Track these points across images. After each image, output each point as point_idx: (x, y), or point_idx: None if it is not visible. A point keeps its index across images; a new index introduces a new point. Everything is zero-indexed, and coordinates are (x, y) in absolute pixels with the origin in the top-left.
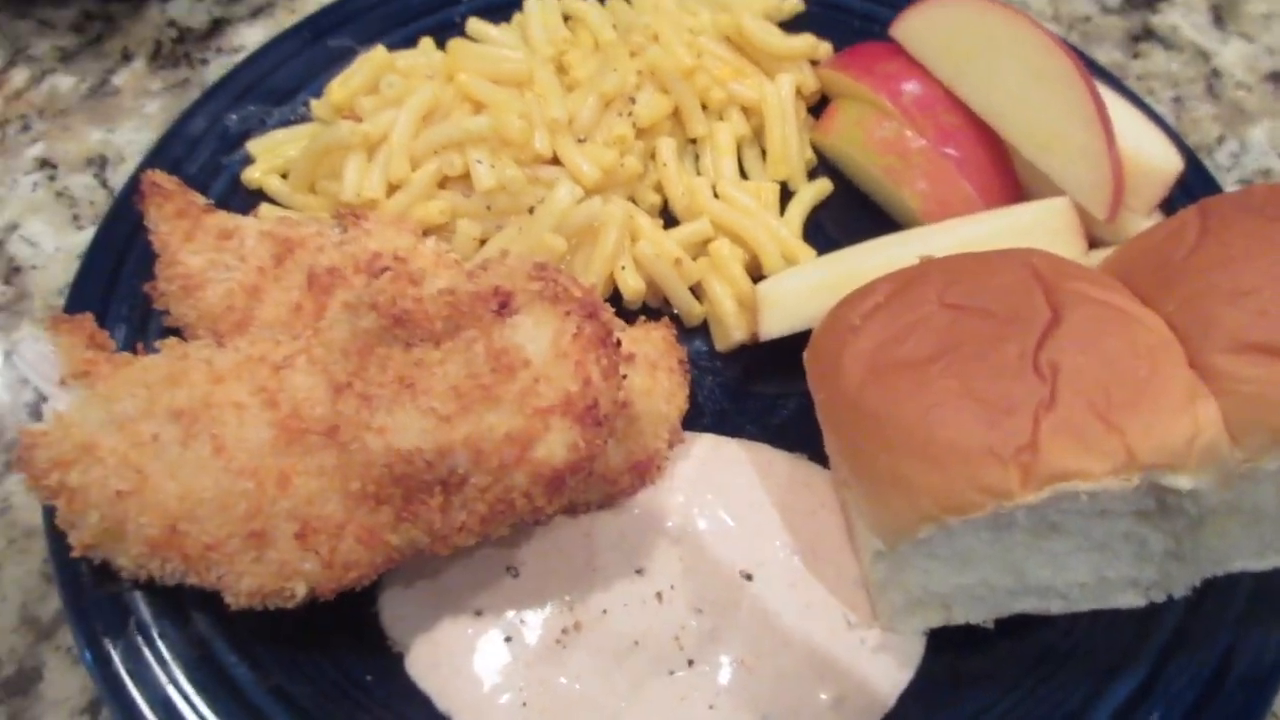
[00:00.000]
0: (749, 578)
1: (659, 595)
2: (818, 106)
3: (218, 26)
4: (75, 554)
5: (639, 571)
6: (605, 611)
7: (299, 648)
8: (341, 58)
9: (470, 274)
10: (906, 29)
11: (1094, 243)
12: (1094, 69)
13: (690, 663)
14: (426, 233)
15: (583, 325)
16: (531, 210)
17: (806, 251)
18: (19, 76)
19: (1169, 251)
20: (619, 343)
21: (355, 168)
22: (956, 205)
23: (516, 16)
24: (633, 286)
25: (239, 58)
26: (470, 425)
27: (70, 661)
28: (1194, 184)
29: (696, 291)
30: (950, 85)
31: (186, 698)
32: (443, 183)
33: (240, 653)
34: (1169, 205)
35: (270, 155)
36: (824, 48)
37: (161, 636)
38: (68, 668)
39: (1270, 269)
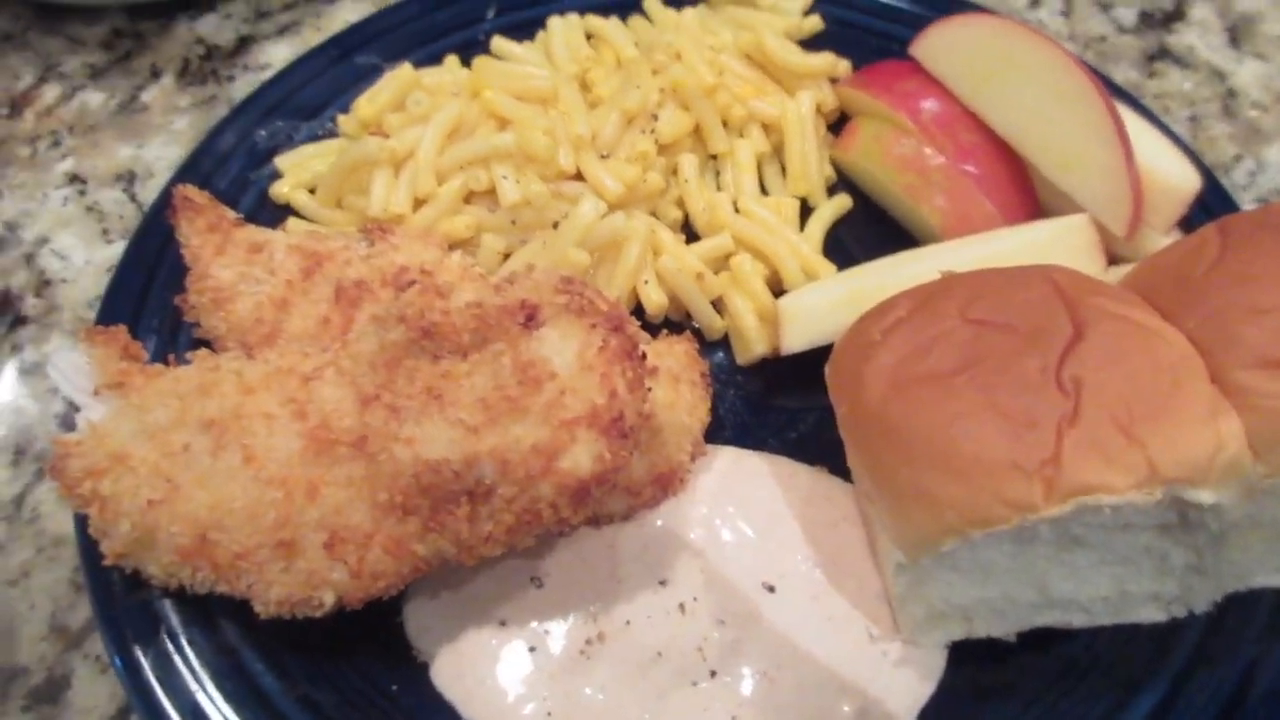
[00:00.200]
0: (771, 590)
1: (682, 607)
2: (837, 124)
3: (245, 44)
4: (107, 563)
5: (662, 583)
6: (629, 622)
7: (325, 657)
8: (368, 75)
9: (497, 287)
10: (926, 48)
11: (1113, 260)
12: (1111, 88)
13: (713, 674)
14: (452, 247)
15: (609, 338)
16: (555, 225)
17: (827, 267)
18: (50, 93)
19: (1190, 268)
20: (644, 355)
21: (382, 183)
22: (976, 222)
23: (540, 34)
24: (655, 300)
25: (265, 75)
26: (497, 436)
27: (99, 670)
28: (1212, 202)
29: (718, 306)
30: (969, 103)
31: (215, 705)
32: (468, 198)
33: (268, 661)
34: (1188, 223)
35: (298, 170)
36: (843, 65)
37: (191, 644)
38: (96, 676)
39: None
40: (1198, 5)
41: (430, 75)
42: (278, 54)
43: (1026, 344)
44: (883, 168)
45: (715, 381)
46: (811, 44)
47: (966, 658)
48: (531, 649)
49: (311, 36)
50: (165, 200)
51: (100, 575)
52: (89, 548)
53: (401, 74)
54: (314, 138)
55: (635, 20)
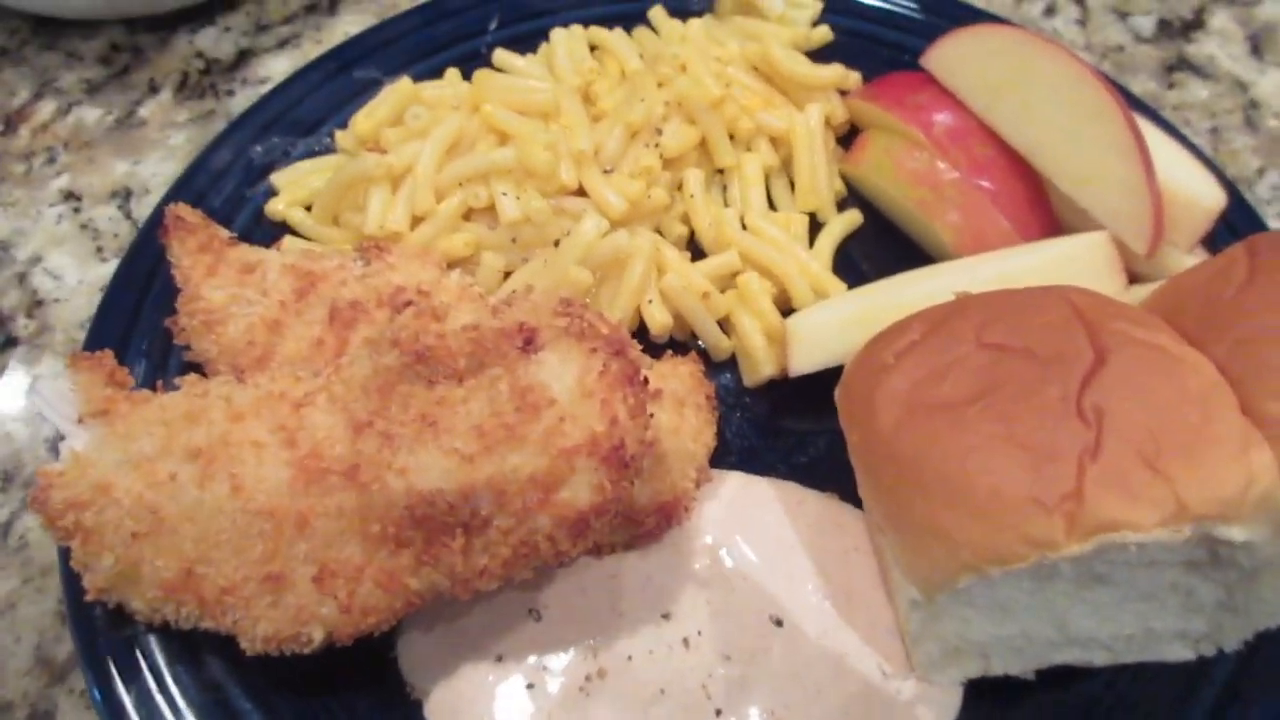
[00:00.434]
0: (779, 623)
1: (686, 641)
2: (847, 137)
3: (244, 58)
4: (89, 597)
5: (665, 616)
6: (630, 658)
7: (315, 694)
8: (367, 89)
9: (495, 310)
10: (938, 59)
11: (1133, 279)
12: (1129, 100)
13: (718, 712)
14: (451, 265)
15: (609, 363)
16: (557, 243)
17: (836, 285)
18: (45, 109)
19: (1217, 291)
20: (646, 381)
21: (379, 200)
22: (991, 239)
23: (543, 47)
24: (659, 320)
25: (265, 89)
26: (493, 466)
27: (84, 705)
28: (1237, 218)
29: (724, 325)
30: (983, 116)
31: None
32: (467, 215)
33: (255, 700)
34: (1211, 240)
35: (294, 187)
36: (853, 77)
37: (175, 681)
38: (81, 711)
39: None
40: (1218, 14)
41: (430, 89)
42: (277, 67)
43: (1045, 370)
44: (894, 182)
45: (721, 404)
46: (820, 55)
47: (983, 696)
48: (529, 686)
49: (311, 50)
50: (157, 219)
51: (83, 609)
52: (72, 581)
53: (400, 88)
54: (311, 154)
55: (640, 32)
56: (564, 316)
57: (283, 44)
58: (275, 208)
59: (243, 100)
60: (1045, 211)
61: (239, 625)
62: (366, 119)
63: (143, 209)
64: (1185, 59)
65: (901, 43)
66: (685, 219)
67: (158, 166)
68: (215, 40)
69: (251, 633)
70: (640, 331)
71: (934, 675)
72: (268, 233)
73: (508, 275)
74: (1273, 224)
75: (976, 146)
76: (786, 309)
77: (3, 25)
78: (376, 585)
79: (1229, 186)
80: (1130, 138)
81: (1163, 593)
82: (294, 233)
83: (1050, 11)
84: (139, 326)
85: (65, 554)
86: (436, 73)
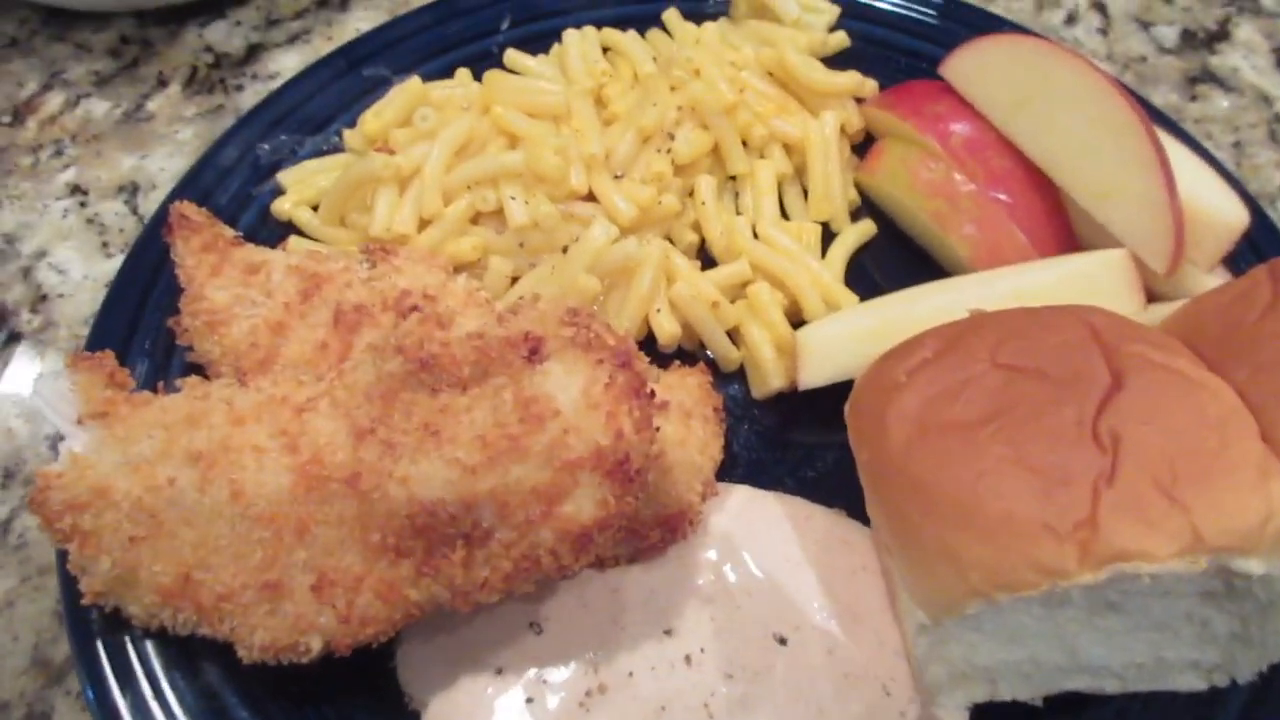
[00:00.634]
0: (784, 642)
1: (688, 658)
2: (862, 146)
3: (254, 52)
4: (86, 601)
5: (668, 632)
6: (631, 674)
7: (312, 703)
8: (376, 88)
9: (501, 318)
10: (957, 68)
11: (1152, 298)
12: (1151, 113)
13: None
14: (457, 269)
15: (615, 375)
16: (565, 249)
17: (849, 296)
18: (54, 101)
19: (1239, 315)
20: (653, 394)
21: (386, 201)
22: (1007, 252)
23: (555, 48)
24: (668, 330)
25: (274, 84)
26: (496, 478)
27: (81, 708)
28: (1260, 238)
29: (733, 336)
30: (1002, 128)
31: None
32: (475, 218)
33: (252, 708)
34: (1233, 260)
35: (301, 186)
36: (870, 85)
37: (171, 687)
38: (78, 714)
39: None
40: (1243, 25)
41: (439, 89)
42: (287, 62)
43: (1060, 393)
44: (909, 193)
45: (729, 416)
46: (837, 62)
47: None
48: (529, 700)
49: (322, 46)
50: (162, 216)
51: (80, 612)
52: (69, 584)
53: (410, 87)
54: (318, 152)
55: (654, 34)
56: (570, 326)
57: (293, 39)
58: (281, 207)
59: (251, 95)
60: (1063, 226)
61: (236, 633)
62: (375, 118)
63: (149, 204)
64: (1209, 71)
65: (919, 50)
66: (696, 226)
67: (165, 161)
68: (225, 34)
69: (249, 641)
70: (648, 341)
71: (940, 699)
72: (273, 232)
73: (515, 280)
74: None
75: (994, 158)
76: (797, 320)
77: (13, 16)
78: (376, 595)
79: (1252, 203)
80: (1152, 152)
81: (1176, 622)
82: (300, 232)
83: (1071, 20)
84: (142, 326)
85: (63, 555)
86: (447, 72)
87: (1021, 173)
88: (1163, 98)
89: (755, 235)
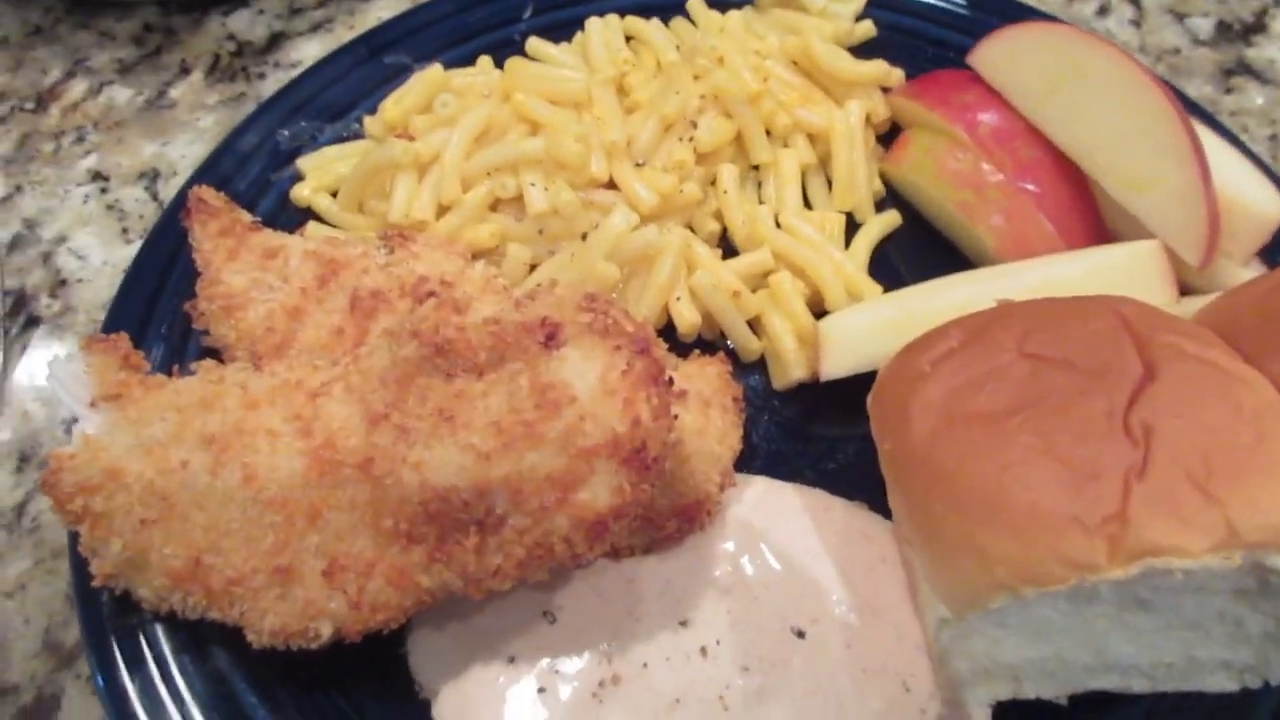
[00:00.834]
0: (801, 635)
1: (704, 650)
2: (888, 136)
3: (276, 41)
4: (96, 583)
5: (683, 623)
6: (646, 665)
7: (322, 689)
8: (397, 75)
9: (517, 303)
10: (986, 57)
11: (1185, 291)
12: (1185, 104)
13: None
14: (476, 256)
15: (633, 361)
16: (585, 236)
17: (872, 287)
18: (77, 88)
19: (1275, 307)
20: (671, 381)
21: (405, 188)
22: (1035, 244)
23: (578, 36)
24: (688, 319)
25: (296, 73)
26: (511, 464)
27: (91, 691)
28: None
29: (754, 326)
30: (1031, 117)
31: None
32: (494, 205)
33: (261, 693)
34: (1269, 252)
35: (320, 173)
36: (896, 74)
37: (180, 672)
38: (87, 697)
39: None
40: None
41: (460, 76)
42: (310, 51)
43: (1090, 384)
44: (936, 183)
45: (749, 406)
46: (863, 51)
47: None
48: (541, 690)
49: (344, 34)
50: (181, 201)
51: (90, 595)
52: (80, 566)
53: (430, 75)
54: (338, 139)
55: (678, 22)
56: (588, 312)
57: (315, 28)
58: (300, 193)
59: (273, 84)
60: (1093, 218)
61: (246, 617)
62: (395, 105)
63: (169, 191)
64: (1244, 63)
65: (947, 40)
66: (718, 215)
67: (186, 148)
68: (248, 23)
69: (259, 625)
70: (668, 330)
71: (962, 695)
72: (292, 218)
73: (533, 268)
74: None
75: (1023, 148)
76: (819, 311)
77: (38, 3)
78: (387, 581)
79: None
80: (1187, 143)
81: (1208, 621)
82: (318, 219)
83: (1103, 11)
84: (159, 309)
85: (75, 538)
86: (468, 60)
87: (1051, 163)
88: (1197, 90)
89: (778, 225)
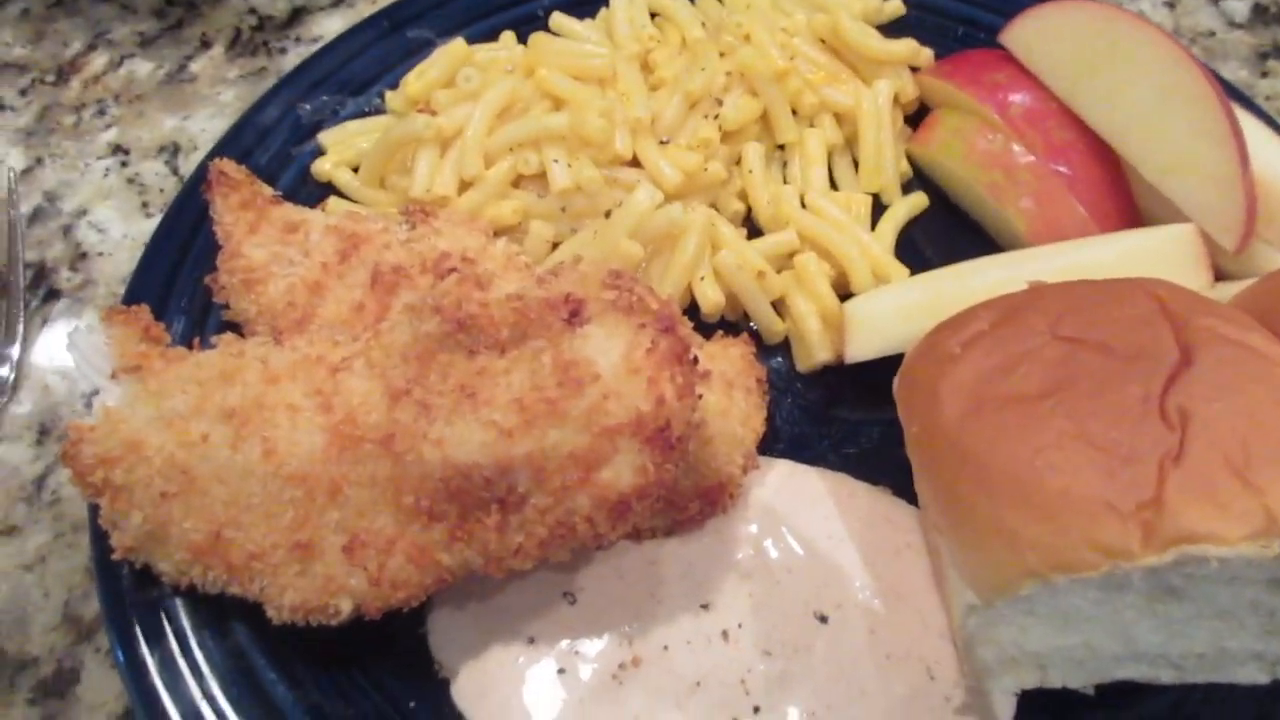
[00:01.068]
0: (824, 620)
1: (725, 634)
2: (916, 116)
3: (298, 15)
4: (116, 556)
5: (705, 606)
6: (666, 648)
7: (341, 666)
8: (420, 49)
9: (541, 279)
10: (1018, 36)
11: (1220, 276)
12: (1221, 85)
13: (756, 709)
14: (498, 233)
15: (658, 339)
16: (608, 214)
17: (899, 269)
18: (98, 61)
19: None
20: (696, 360)
21: (427, 163)
22: (1066, 227)
23: (602, 11)
24: (711, 299)
25: (318, 47)
26: (533, 442)
27: (109, 665)
28: None
29: (779, 307)
30: (1064, 98)
31: (220, 713)
32: (517, 182)
33: (280, 669)
34: None
35: (342, 147)
36: (925, 54)
37: (200, 647)
38: (106, 671)
39: None
40: None
41: (483, 51)
42: (331, 26)
43: (1126, 367)
44: (965, 164)
45: (772, 389)
46: (892, 29)
47: (1038, 708)
48: (560, 671)
49: (365, 8)
50: (202, 174)
51: (110, 568)
52: (100, 539)
53: (453, 49)
54: (360, 113)
55: None
56: (612, 289)
57: (337, 2)
58: (321, 167)
59: (294, 58)
60: (1126, 201)
61: (266, 593)
62: (417, 80)
63: (190, 165)
64: None
65: (977, 19)
66: (743, 195)
67: (207, 123)
68: None
69: (278, 601)
70: (691, 310)
71: (987, 684)
72: (313, 193)
73: (556, 245)
74: None
75: (1055, 129)
76: (845, 293)
77: None
78: (407, 559)
79: None
80: (1225, 125)
81: (1241, 611)
82: (339, 194)
83: None
84: (179, 283)
85: (95, 511)
86: (491, 34)
87: (1083, 144)
88: (1232, 74)
89: (803, 205)
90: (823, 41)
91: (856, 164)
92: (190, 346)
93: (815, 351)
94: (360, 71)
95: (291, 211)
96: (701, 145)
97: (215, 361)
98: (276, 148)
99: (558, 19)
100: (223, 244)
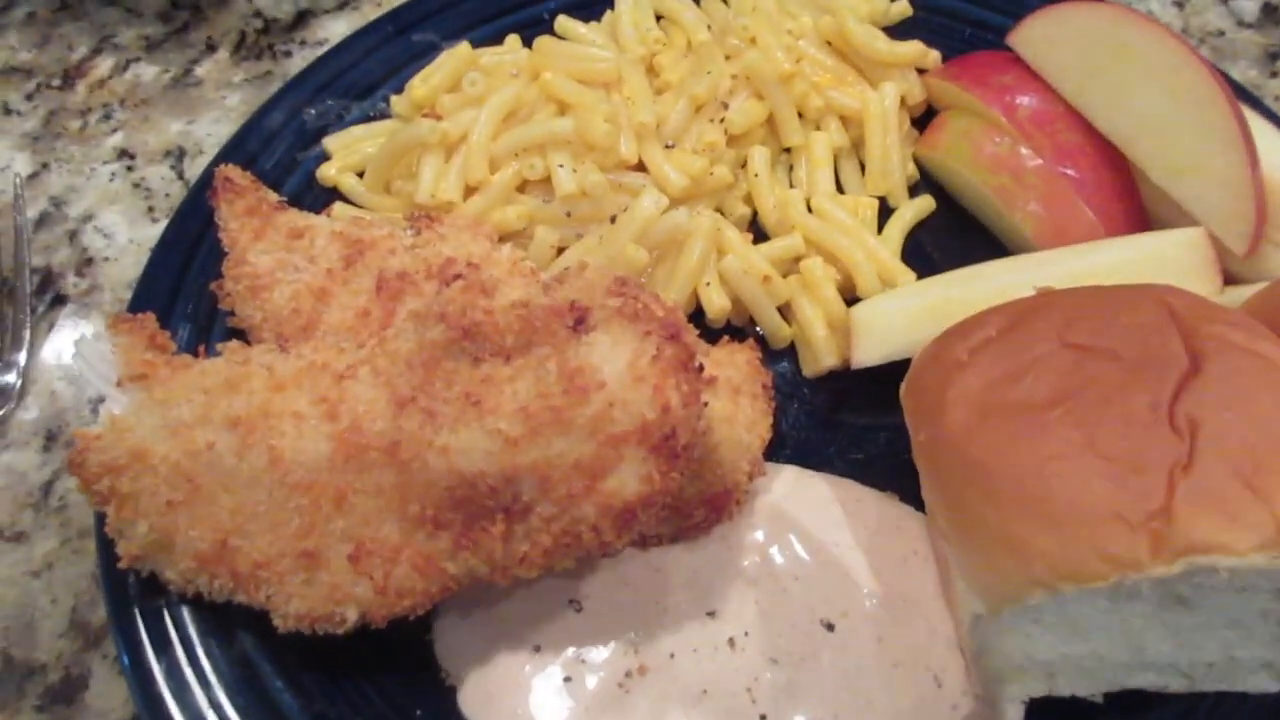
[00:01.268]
0: (831, 628)
1: (731, 642)
2: (923, 119)
3: (303, 18)
4: (122, 565)
5: (711, 614)
6: (673, 656)
7: (347, 674)
8: (425, 53)
9: (546, 286)
10: (1026, 38)
11: (1229, 280)
12: (1230, 87)
13: (762, 718)
14: (503, 238)
15: (663, 347)
16: (613, 219)
17: (906, 274)
18: (104, 65)
19: None
20: (701, 368)
21: (432, 168)
22: (1074, 231)
23: (607, 14)
24: (717, 304)
25: (323, 51)
26: (538, 450)
27: (117, 671)
28: None
29: (785, 312)
30: (1073, 100)
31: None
32: (522, 187)
33: (286, 677)
34: None
35: (347, 152)
36: (933, 56)
37: (206, 655)
38: (114, 678)
39: None
40: None
41: (489, 55)
42: (336, 29)
43: (1134, 375)
44: (972, 168)
45: (778, 394)
46: (898, 31)
47: (1046, 718)
48: (567, 679)
49: (371, 12)
50: (207, 180)
51: (116, 576)
52: (107, 547)
53: (458, 53)
54: (365, 118)
55: (709, 2)
56: (618, 296)
57: (342, 5)
58: (327, 173)
59: (300, 62)
60: (1134, 204)
61: (272, 601)
62: (423, 84)
63: (195, 169)
64: None
65: (985, 20)
66: (748, 199)
67: (212, 127)
68: (275, 0)
69: (284, 609)
70: (697, 315)
71: (995, 692)
72: (318, 198)
73: (561, 251)
74: None
75: (1063, 132)
76: (851, 297)
77: None
78: (413, 567)
79: None
80: (1235, 127)
81: (1251, 621)
82: (344, 199)
83: None
84: (184, 289)
85: (102, 518)
86: (497, 38)
87: (1092, 147)
88: (1241, 74)
89: (809, 209)
90: (829, 44)
91: (863, 167)
92: (195, 354)
93: (821, 357)
94: (365, 75)
95: (297, 217)
96: (707, 149)
97: (220, 369)
98: (281, 153)
99: (563, 22)
100: (228, 250)
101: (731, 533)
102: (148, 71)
